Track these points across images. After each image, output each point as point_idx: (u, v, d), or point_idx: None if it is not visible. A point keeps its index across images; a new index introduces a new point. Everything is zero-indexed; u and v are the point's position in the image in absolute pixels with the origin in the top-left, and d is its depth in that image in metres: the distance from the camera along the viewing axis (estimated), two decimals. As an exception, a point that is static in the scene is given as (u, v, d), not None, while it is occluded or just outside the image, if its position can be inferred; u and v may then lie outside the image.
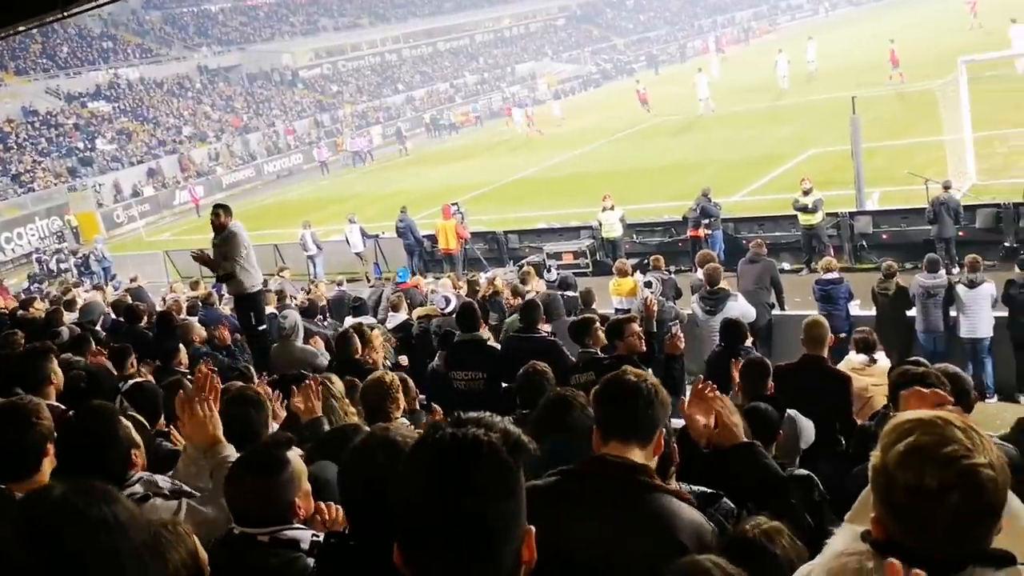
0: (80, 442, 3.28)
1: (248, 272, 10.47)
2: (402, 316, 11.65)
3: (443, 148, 47.64)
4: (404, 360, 9.88)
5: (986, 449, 1.75)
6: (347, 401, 5.61)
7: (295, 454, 3.02)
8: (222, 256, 10.32)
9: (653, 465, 2.81)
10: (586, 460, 2.77)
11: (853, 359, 7.94)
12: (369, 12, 75.34)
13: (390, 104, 60.69)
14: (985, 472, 1.71)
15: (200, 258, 10.49)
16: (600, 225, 19.18)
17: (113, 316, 13.37)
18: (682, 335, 7.05)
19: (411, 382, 6.03)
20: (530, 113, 46.76)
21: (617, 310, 12.30)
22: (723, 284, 10.90)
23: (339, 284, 16.96)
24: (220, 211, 10.40)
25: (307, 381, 5.26)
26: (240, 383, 5.72)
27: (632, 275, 13.25)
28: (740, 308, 10.38)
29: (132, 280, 20.40)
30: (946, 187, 15.42)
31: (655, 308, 7.58)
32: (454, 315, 10.03)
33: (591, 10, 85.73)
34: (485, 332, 8.60)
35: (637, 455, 2.73)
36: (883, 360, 7.82)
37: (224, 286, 11.84)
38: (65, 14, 11.95)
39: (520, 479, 1.64)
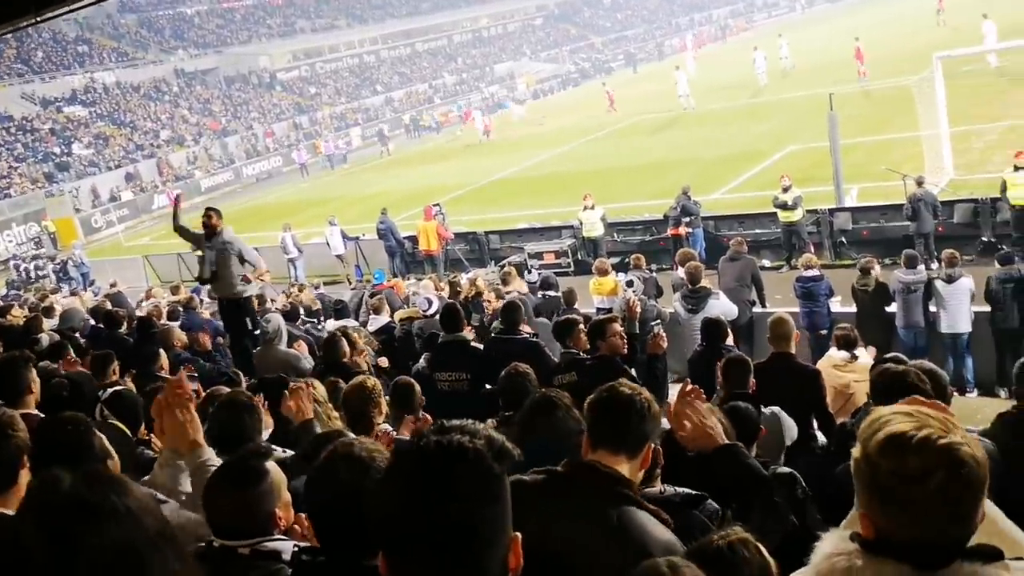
0: (54, 454, 3.23)
1: (242, 276, 10.48)
2: (384, 319, 11.61)
3: (423, 149, 47.57)
4: (384, 362, 9.84)
5: (961, 432, 1.80)
6: (330, 405, 5.58)
7: (274, 464, 2.99)
8: (223, 261, 10.29)
9: (639, 479, 2.87)
10: (574, 463, 2.80)
11: (834, 355, 7.97)
12: (346, 13, 75.09)
13: (369, 105, 60.61)
14: (963, 449, 1.75)
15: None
16: (581, 224, 19.18)
17: (92, 322, 13.26)
18: (664, 335, 7.06)
19: (417, 387, 6.02)
20: (487, 121, 46.58)
21: (598, 309, 12.31)
22: (704, 282, 10.93)
23: (316, 287, 16.92)
24: (213, 213, 10.38)
25: (299, 384, 5.23)
26: (231, 388, 5.69)
27: (612, 274, 13.26)
28: (722, 306, 10.41)
29: (112, 285, 20.23)
30: (919, 182, 15.50)
31: (638, 309, 7.57)
32: (437, 317, 10.03)
33: (569, 9, 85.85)
34: (469, 333, 8.59)
35: (624, 467, 2.78)
36: (864, 356, 7.85)
37: (207, 289, 11.74)
38: (38, 19, 11.83)
39: (505, 486, 1.64)
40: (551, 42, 78.35)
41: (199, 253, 10.73)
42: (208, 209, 10.53)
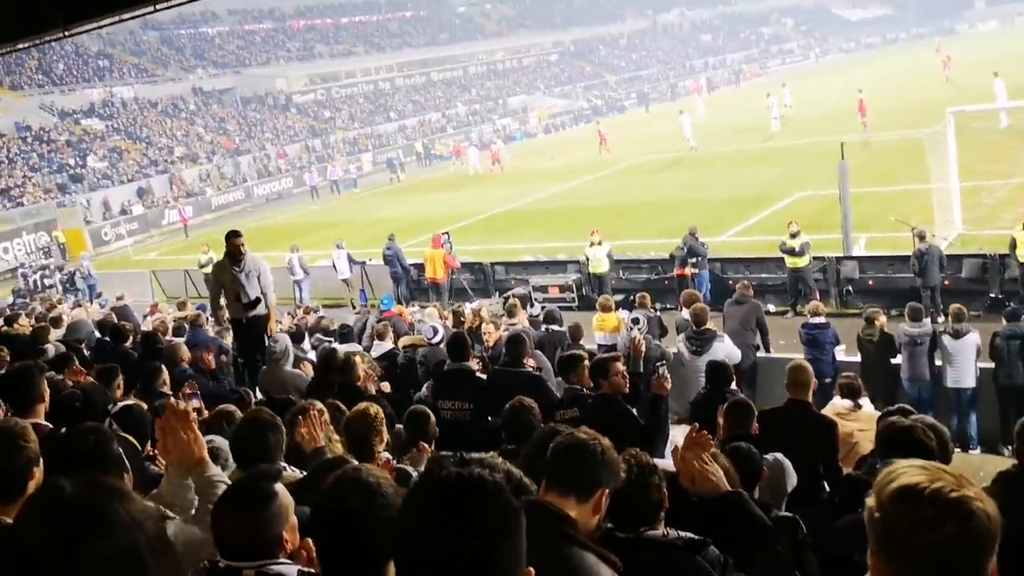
0: (75, 463, 3.25)
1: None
2: (388, 345, 11.62)
3: (434, 177, 47.79)
4: (387, 387, 9.84)
5: (975, 488, 1.82)
6: (331, 428, 5.57)
7: (282, 487, 3.00)
8: (254, 283, 10.43)
9: (592, 523, 2.89)
10: (525, 501, 2.81)
11: (838, 404, 7.96)
12: (364, 40, 75.89)
13: (382, 132, 60.96)
14: (975, 503, 1.77)
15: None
16: (587, 260, 19.20)
17: (98, 335, 13.30)
18: (669, 376, 7.06)
19: (432, 417, 6.03)
20: (495, 150, 46.91)
21: (600, 346, 12.31)
22: (709, 324, 10.94)
23: (315, 310, 16.97)
24: (243, 239, 10.48)
25: (313, 409, 5.24)
26: (239, 407, 5.72)
27: (616, 311, 13.27)
28: (726, 349, 10.42)
29: (118, 298, 20.27)
30: (920, 236, 15.48)
31: (643, 348, 7.58)
32: (441, 345, 10.05)
33: (584, 47, 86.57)
34: (474, 363, 8.61)
35: (572, 510, 2.82)
36: (868, 406, 7.84)
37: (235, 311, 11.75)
38: (66, 33, 11.99)
39: (521, 520, 1.66)
40: (565, 78, 78.93)
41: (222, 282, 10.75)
42: (235, 233, 10.56)
